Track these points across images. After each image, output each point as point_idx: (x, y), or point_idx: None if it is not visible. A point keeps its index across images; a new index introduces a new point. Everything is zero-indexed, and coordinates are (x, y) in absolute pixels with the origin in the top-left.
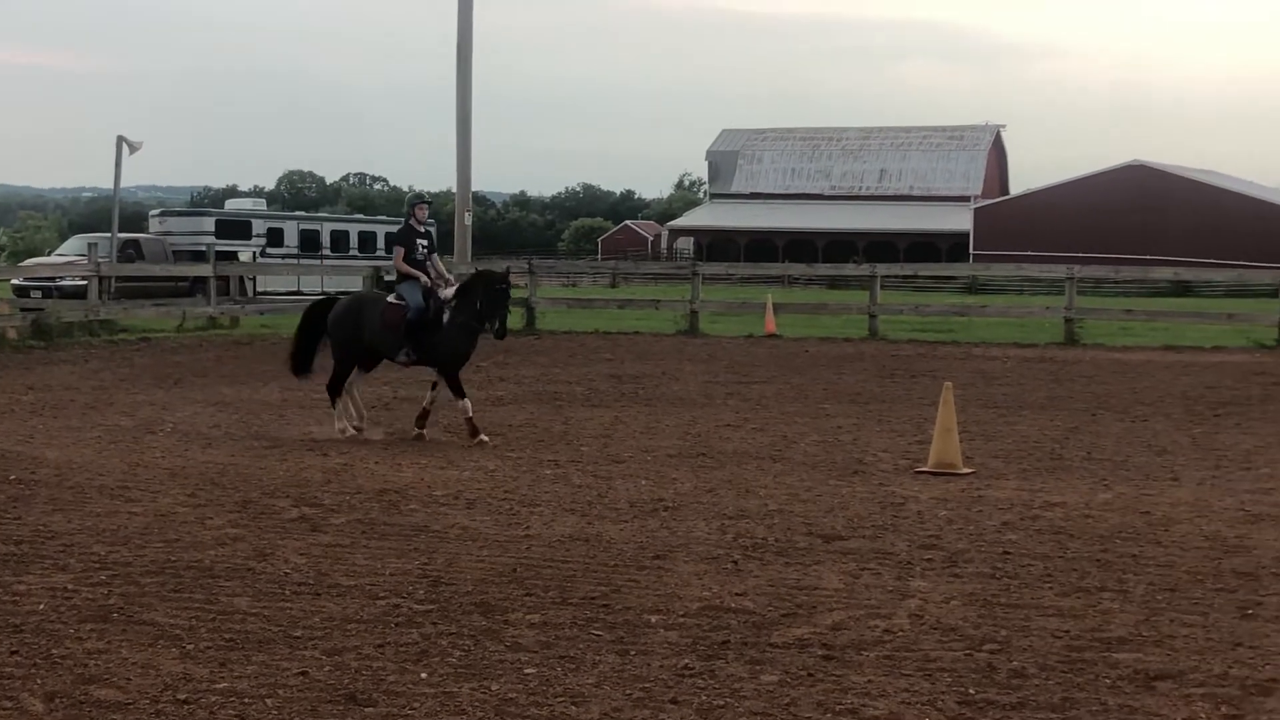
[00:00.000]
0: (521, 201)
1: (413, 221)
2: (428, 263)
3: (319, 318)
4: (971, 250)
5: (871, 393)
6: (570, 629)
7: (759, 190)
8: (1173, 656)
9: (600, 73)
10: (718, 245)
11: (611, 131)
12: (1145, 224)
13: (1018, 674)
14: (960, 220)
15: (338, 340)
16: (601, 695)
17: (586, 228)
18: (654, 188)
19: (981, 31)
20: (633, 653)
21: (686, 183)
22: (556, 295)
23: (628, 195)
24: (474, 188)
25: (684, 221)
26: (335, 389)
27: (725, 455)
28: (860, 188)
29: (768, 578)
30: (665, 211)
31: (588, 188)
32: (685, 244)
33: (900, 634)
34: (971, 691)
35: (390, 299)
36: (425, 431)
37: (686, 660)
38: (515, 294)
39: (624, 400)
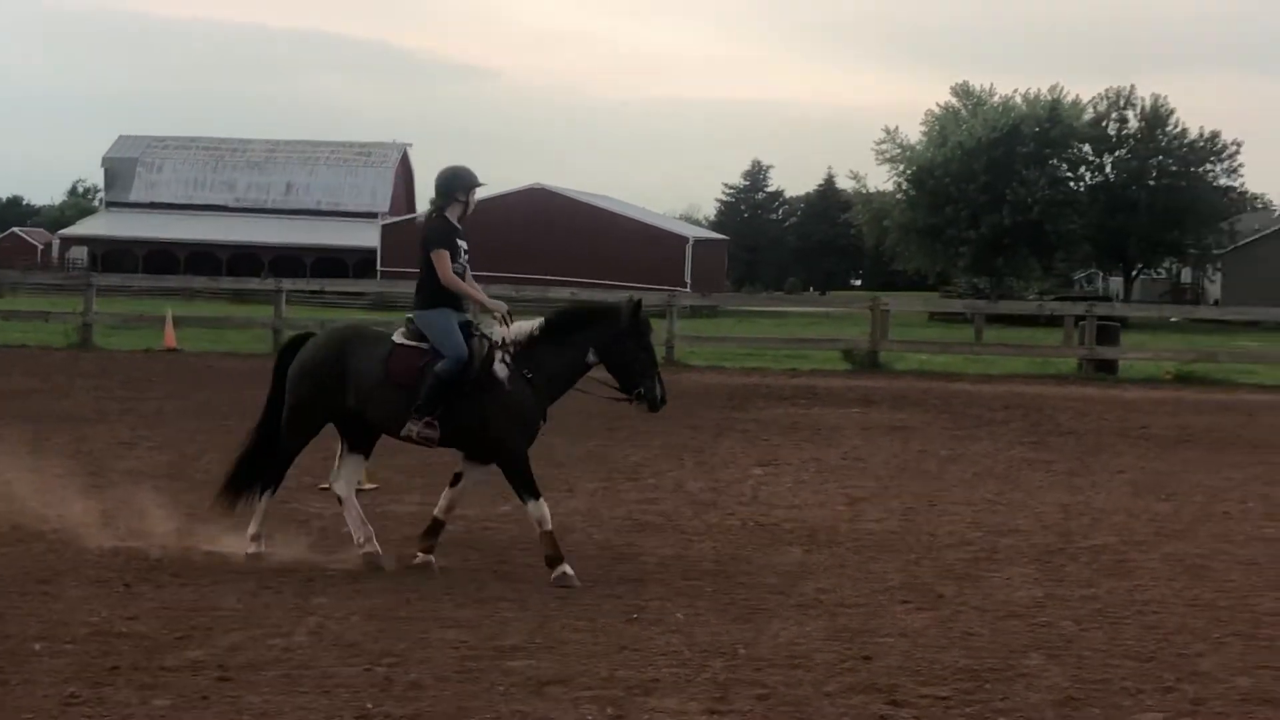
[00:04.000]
0: None
1: (449, 213)
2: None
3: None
4: (379, 266)
5: None
6: None
7: (159, 200)
8: (563, 662)
9: None
10: (114, 256)
11: None
12: (546, 244)
13: (414, 686)
14: (368, 236)
15: (292, 404)
16: None
17: None
18: (45, 194)
19: (389, 49)
20: (14, 682)
21: (81, 190)
22: None
23: (15, 201)
24: None
25: (78, 230)
26: (268, 475)
27: (120, 475)
28: (267, 201)
29: (162, 600)
30: (58, 219)
31: None
32: (79, 253)
33: (299, 652)
34: (369, 706)
35: (398, 338)
36: (432, 557)
37: (73, 688)
38: None
39: (6, 418)
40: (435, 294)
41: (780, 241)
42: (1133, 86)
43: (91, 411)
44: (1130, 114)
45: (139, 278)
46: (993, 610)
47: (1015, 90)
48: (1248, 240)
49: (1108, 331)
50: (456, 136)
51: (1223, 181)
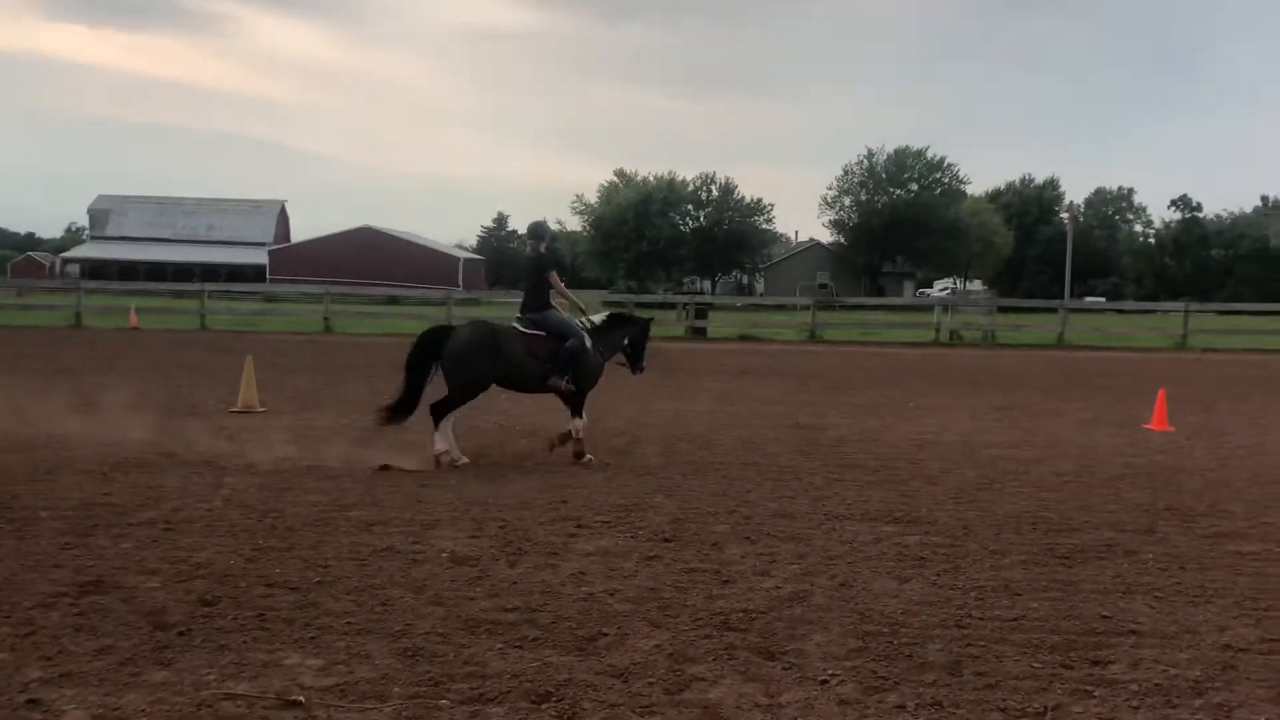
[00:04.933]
0: None
1: (544, 249)
2: None
3: (433, 349)
4: (268, 276)
5: (199, 363)
6: None
7: (126, 235)
8: (382, 511)
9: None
10: (96, 270)
11: (17, 186)
12: (373, 262)
13: (289, 529)
14: (261, 258)
15: (469, 373)
16: None
17: None
18: (51, 231)
19: (277, 145)
20: (28, 536)
21: (75, 228)
22: None
23: (30, 235)
24: None
25: (72, 253)
26: (443, 413)
27: (100, 405)
28: (196, 235)
29: (128, 483)
30: (59, 247)
31: None
32: (73, 269)
33: (216, 511)
34: (260, 542)
35: (521, 329)
36: (589, 457)
37: (67, 539)
38: None
39: (23, 370)
40: (545, 300)
41: (515, 261)
42: (715, 171)
43: (81, 366)
44: (714, 188)
45: (113, 284)
46: (635, 470)
47: (650, 173)
48: (777, 260)
49: (701, 311)
50: (313, 194)
51: (764, 226)
